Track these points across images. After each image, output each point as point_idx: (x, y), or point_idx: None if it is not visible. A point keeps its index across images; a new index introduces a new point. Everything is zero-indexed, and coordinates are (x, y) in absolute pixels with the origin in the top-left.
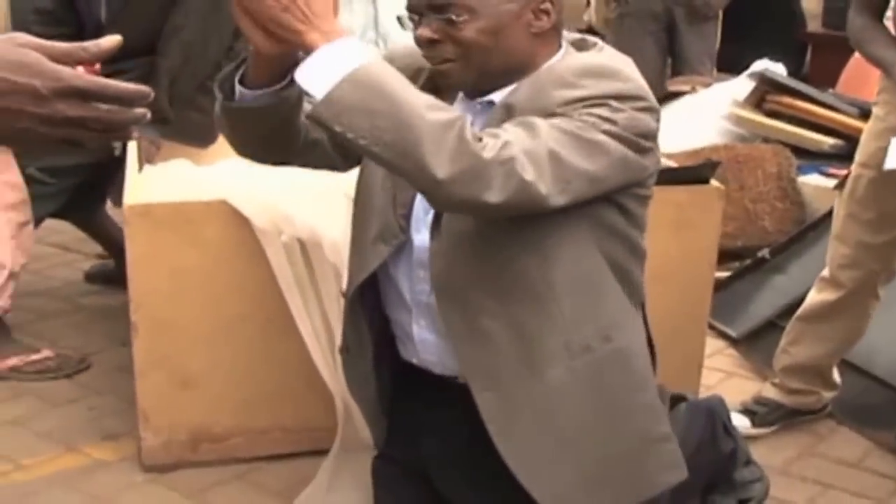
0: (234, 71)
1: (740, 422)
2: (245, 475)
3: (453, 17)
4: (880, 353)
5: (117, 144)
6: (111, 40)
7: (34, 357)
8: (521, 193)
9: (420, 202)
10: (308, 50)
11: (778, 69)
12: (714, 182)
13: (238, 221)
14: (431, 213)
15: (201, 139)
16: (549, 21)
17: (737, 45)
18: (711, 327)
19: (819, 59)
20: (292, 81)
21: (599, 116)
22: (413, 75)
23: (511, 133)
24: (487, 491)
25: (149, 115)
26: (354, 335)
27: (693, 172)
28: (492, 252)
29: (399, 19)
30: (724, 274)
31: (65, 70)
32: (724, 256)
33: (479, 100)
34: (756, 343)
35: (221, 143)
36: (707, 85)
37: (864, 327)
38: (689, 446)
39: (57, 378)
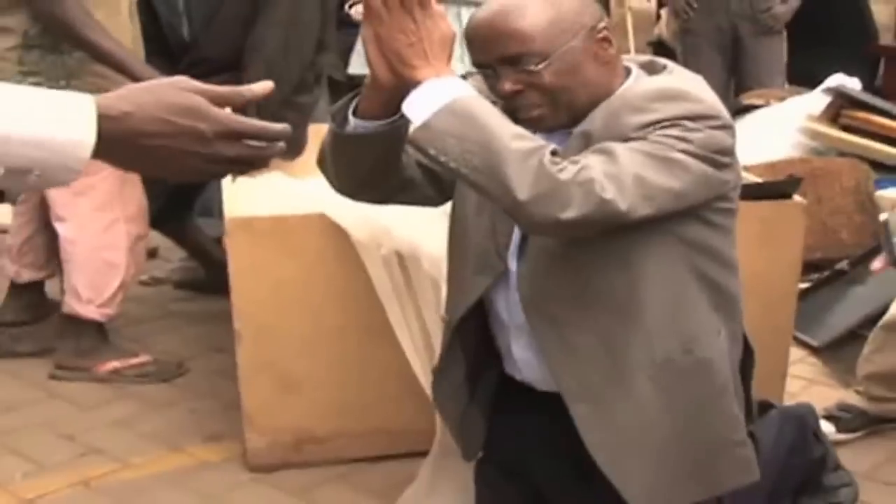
0: (348, 102)
1: (825, 427)
2: (347, 475)
3: (531, 67)
4: None
5: None
6: (263, 87)
7: (134, 361)
8: (600, 210)
9: (518, 232)
10: (417, 84)
11: (853, 84)
12: (797, 197)
13: (336, 234)
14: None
15: (288, 152)
16: (613, 47)
17: (809, 59)
18: (794, 338)
19: (892, 73)
20: (402, 115)
21: (674, 137)
22: None
23: (591, 159)
24: (586, 490)
25: (285, 147)
26: (452, 355)
27: (776, 188)
28: (578, 270)
29: (464, 76)
30: (804, 285)
31: (223, 113)
32: (804, 268)
33: (558, 132)
34: (837, 352)
35: (307, 159)
36: (781, 99)
37: None
38: (780, 451)
39: (156, 382)
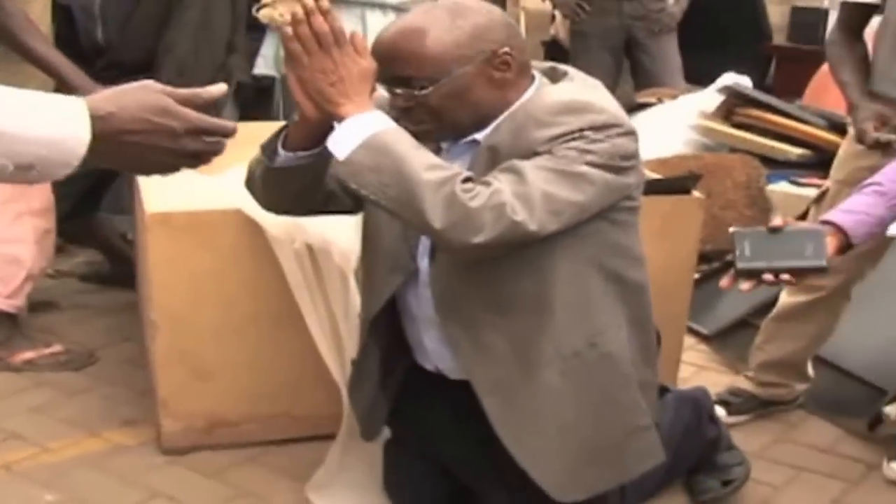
0: (276, 137)
1: (717, 411)
2: (257, 457)
3: (417, 92)
4: (850, 348)
5: None
6: (218, 89)
7: (47, 351)
8: (511, 232)
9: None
10: (341, 120)
11: (745, 82)
12: (696, 192)
13: (251, 228)
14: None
15: None
16: (512, 70)
17: (704, 57)
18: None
19: (783, 71)
20: (326, 147)
21: (578, 149)
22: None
23: (501, 179)
24: (496, 467)
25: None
26: (368, 349)
27: (676, 184)
28: (487, 273)
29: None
30: (695, 276)
31: (191, 112)
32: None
33: (462, 141)
34: (727, 339)
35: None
36: (674, 96)
37: (835, 325)
38: (676, 432)
39: (69, 370)
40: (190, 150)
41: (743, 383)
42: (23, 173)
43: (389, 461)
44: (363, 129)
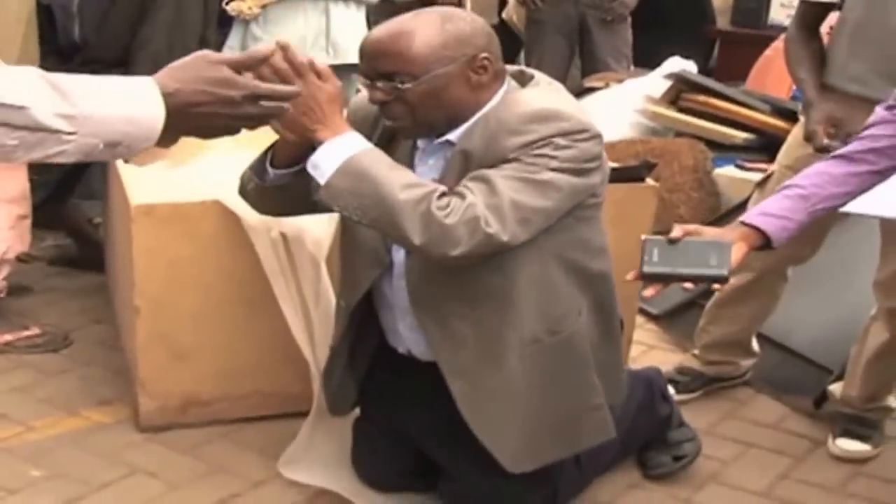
0: (264, 157)
1: None
2: (230, 434)
3: (398, 85)
4: (797, 328)
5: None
6: (269, 47)
7: (25, 333)
8: (485, 245)
9: None
10: (319, 143)
11: (690, 67)
12: (649, 181)
13: (230, 218)
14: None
15: (166, 141)
16: (489, 74)
17: (648, 40)
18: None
19: (726, 55)
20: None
21: (546, 156)
22: (373, 123)
23: (475, 192)
24: (460, 442)
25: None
26: (345, 335)
27: (632, 172)
28: (458, 269)
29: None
30: None
31: (249, 81)
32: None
33: (437, 141)
34: (675, 319)
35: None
36: (620, 81)
37: (774, 305)
38: (630, 409)
39: (46, 352)
40: (250, 113)
41: (690, 362)
42: (111, 150)
43: (358, 437)
44: (339, 154)
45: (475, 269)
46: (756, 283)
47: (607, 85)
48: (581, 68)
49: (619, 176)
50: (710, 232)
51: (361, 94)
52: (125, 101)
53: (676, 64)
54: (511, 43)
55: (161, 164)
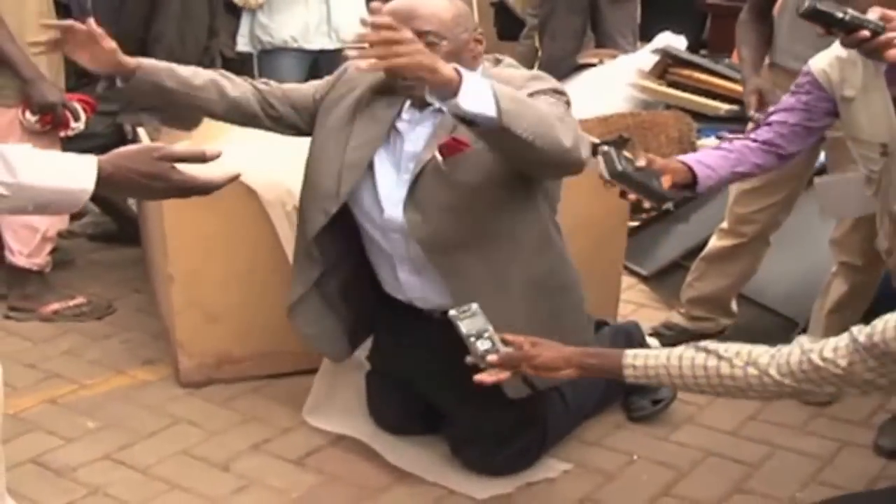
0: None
1: (651, 342)
2: (260, 389)
3: (431, 41)
4: (768, 285)
5: (129, 128)
6: (214, 152)
7: (72, 303)
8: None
9: (390, 189)
10: (451, 82)
11: (679, 42)
12: (626, 153)
13: (250, 195)
14: (403, 194)
15: (187, 125)
16: (481, 47)
17: (643, 16)
18: (625, 268)
19: (717, 28)
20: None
21: (557, 102)
22: (354, 83)
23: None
24: (458, 388)
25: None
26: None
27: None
28: (468, 218)
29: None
30: (635, 223)
31: (178, 178)
32: (635, 207)
33: (429, 109)
34: (663, 280)
35: (205, 131)
36: (613, 57)
37: (757, 267)
38: None
39: (91, 319)
40: (174, 195)
41: (676, 318)
42: (40, 210)
43: (371, 388)
44: (485, 85)
45: (479, 214)
46: (744, 247)
47: (601, 61)
48: (595, 44)
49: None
50: (658, 162)
51: (350, 71)
52: (60, 177)
53: (665, 39)
54: (512, 20)
55: (183, 145)
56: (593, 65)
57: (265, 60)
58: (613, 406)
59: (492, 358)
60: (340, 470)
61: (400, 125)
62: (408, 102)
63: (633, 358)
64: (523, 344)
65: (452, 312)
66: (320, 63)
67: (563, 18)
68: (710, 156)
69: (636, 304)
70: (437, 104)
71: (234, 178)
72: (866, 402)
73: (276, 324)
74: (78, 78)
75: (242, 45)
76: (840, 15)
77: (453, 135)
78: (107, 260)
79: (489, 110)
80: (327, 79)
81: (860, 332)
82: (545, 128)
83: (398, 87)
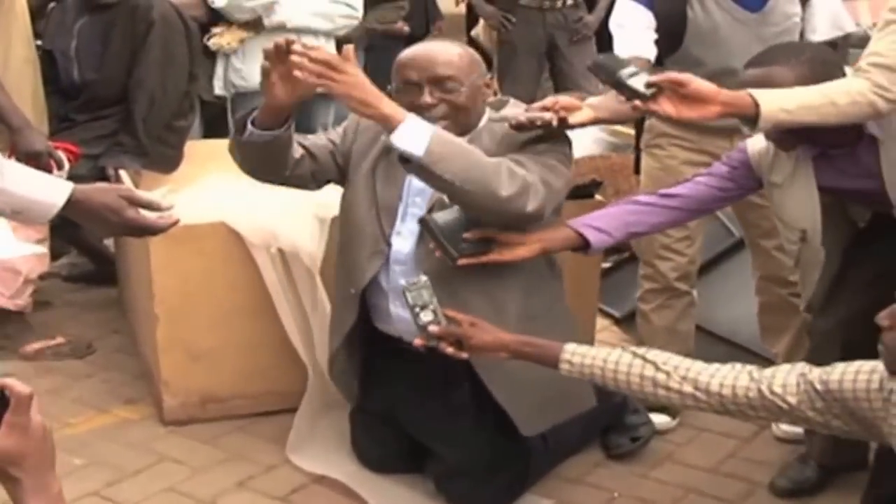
0: (245, 116)
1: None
2: (244, 427)
3: (451, 87)
4: (740, 324)
5: (111, 171)
6: (167, 204)
7: (52, 342)
8: (542, 207)
9: (399, 223)
10: (388, 118)
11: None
12: (598, 196)
13: (234, 237)
14: (412, 227)
15: (167, 168)
16: (489, 92)
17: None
18: (599, 309)
19: None
20: (284, 129)
21: (552, 150)
22: (375, 135)
23: (521, 169)
24: (444, 424)
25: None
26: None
27: (582, 190)
28: None
29: (388, 89)
30: (608, 265)
31: (134, 219)
32: (607, 251)
33: None
34: (635, 320)
35: (185, 172)
36: (582, 99)
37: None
38: None
39: (72, 359)
40: (124, 232)
41: None
42: (16, 215)
43: (356, 424)
44: (424, 128)
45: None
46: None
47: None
48: (554, 88)
49: (572, 194)
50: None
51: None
52: (37, 190)
53: None
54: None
55: (165, 188)
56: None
57: (239, 103)
58: (592, 444)
59: (432, 328)
60: None
61: None
62: None
63: (572, 354)
64: (463, 322)
65: (402, 282)
66: (292, 107)
67: (523, 61)
68: (604, 217)
69: (610, 344)
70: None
71: (175, 223)
72: None
73: (260, 363)
74: (59, 122)
75: (218, 88)
76: (613, 72)
77: None
78: (84, 301)
79: (417, 150)
80: (340, 130)
81: (811, 372)
82: (476, 175)
83: None
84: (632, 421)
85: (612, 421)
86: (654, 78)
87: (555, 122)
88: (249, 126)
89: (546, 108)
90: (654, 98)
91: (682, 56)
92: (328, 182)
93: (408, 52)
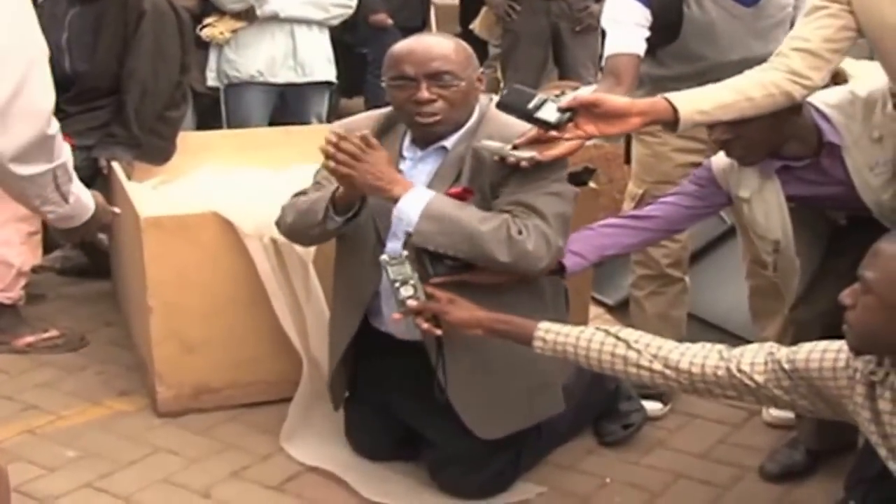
0: (328, 207)
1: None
2: (238, 417)
3: (451, 82)
4: (731, 312)
5: (103, 162)
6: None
7: (45, 335)
8: (556, 255)
9: (388, 223)
10: (396, 199)
11: None
12: (592, 184)
13: (227, 227)
14: (401, 230)
15: (160, 159)
16: (482, 87)
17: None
18: (592, 297)
19: None
20: (359, 212)
21: (550, 176)
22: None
23: (529, 221)
24: (437, 412)
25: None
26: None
27: (576, 177)
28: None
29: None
30: None
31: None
32: None
33: (432, 147)
34: (628, 309)
35: (177, 164)
36: (575, 88)
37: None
38: (582, 384)
39: (65, 352)
40: (97, 233)
41: None
42: (66, 220)
43: (350, 415)
44: (416, 205)
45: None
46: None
47: (563, 92)
48: (559, 76)
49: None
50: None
51: (344, 123)
52: (84, 195)
53: None
54: (476, 49)
55: (158, 179)
56: (557, 96)
57: (232, 94)
58: (585, 432)
59: (411, 303)
60: (319, 495)
61: (402, 165)
62: (407, 140)
63: (545, 332)
64: (442, 299)
65: (384, 257)
66: (286, 97)
67: (526, 51)
68: (579, 241)
69: None
70: (440, 143)
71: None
72: None
73: (254, 353)
74: (55, 113)
75: (211, 79)
76: (522, 108)
77: (464, 186)
78: (77, 294)
79: (407, 227)
80: None
81: (779, 351)
82: (470, 247)
83: (422, 127)
84: (624, 408)
85: (604, 408)
86: (565, 102)
87: (524, 164)
88: (334, 216)
89: (533, 139)
90: (573, 122)
91: (680, 50)
92: None
93: (403, 46)
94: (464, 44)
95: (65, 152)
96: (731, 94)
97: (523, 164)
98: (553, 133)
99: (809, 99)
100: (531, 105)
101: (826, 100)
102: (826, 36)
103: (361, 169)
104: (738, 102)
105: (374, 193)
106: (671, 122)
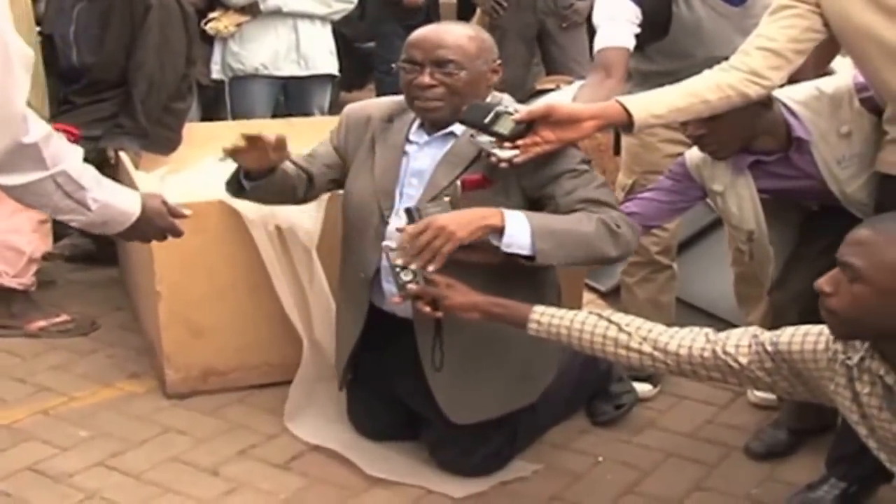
0: (235, 175)
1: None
2: (245, 398)
3: (451, 70)
4: (720, 298)
5: (111, 153)
6: (186, 212)
7: (56, 320)
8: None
9: (396, 200)
10: (498, 229)
11: None
12: None
13: (232, 214)
14: (405, 204)
15: (166, 149)
16: (499, 77)
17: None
18: (585, 284)
19: None
20: (272, 172)
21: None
22: (365, 122)
23: (609, 214)
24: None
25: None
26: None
27: None
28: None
29: (391, 67)
30: None
31: (169, 222)
32: None
33: (440, 133)
34: (619, 294)
35: (183, 154)
36: (569, 82)
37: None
38: (575, 367)
39: (76, 335)
40: (161, 235)
41: None
42: (99, 227)
43: (352, 396)
44: (522, 229)
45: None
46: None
47: (558, 86)
48: (546, 72)
49: None
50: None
51: (356, 105)
52: (122, 200)
53: None
54: None
55: (165, 169)
56: (551, 90)
57: (236, 87)
58: (578, 412)
59: (411, 287)
60: (324, 473)
61: (409, 148)
62: (415, 125)
63: (540, 315)
64: (440, 283)
65: (386, 243)
66: (289, 89)
67: (514, 46)
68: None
69: None
70: (448, 129)
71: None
72: None
73: (259, 337)
74: (59, 105)
75: (216, 72)
76: (479, 122)
77: (483, 173)
78: (86, 280)
79: (526, 250)
80: (334, 129)
81: (762, 335)
82: (584, 251)
83: (423, 110)
84: (616, 389)
85: (597, 389)
86: (520, 116)
87: (503, 165)
88: (245, 182)
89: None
90: (534, 131)
91: (668, 47)
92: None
93: (419, 32)
94: (483, 35)
95: (67, 160)
96: (687, 97)
97: (503, 164)
98: (507, 144)
99: (777, 95)
100: (487, 120)
101: (793, 96)
102: (792, 36)
103: (442, 242)
104: (694, 105)
105: (477, 235)
106: (626, 126)
